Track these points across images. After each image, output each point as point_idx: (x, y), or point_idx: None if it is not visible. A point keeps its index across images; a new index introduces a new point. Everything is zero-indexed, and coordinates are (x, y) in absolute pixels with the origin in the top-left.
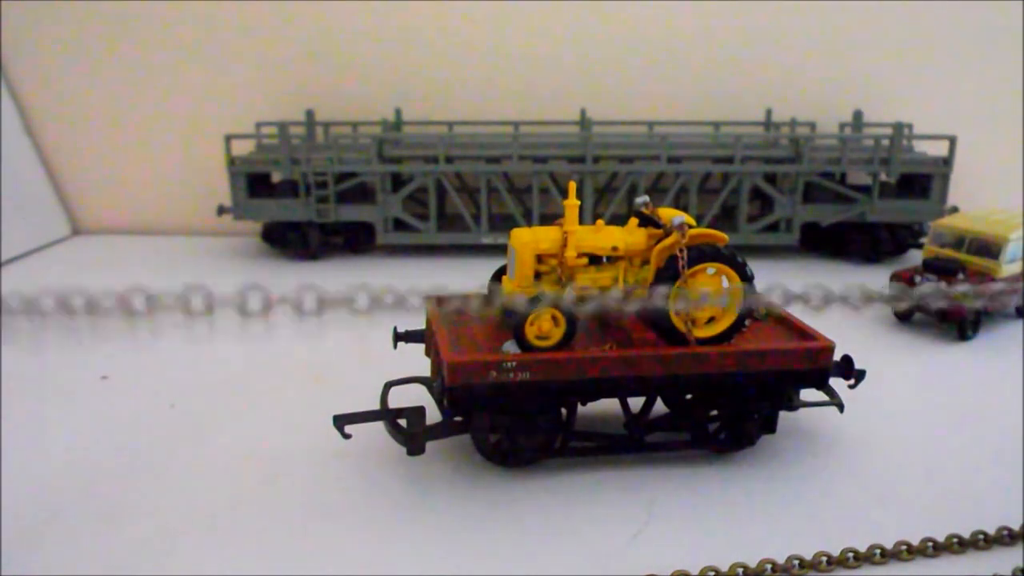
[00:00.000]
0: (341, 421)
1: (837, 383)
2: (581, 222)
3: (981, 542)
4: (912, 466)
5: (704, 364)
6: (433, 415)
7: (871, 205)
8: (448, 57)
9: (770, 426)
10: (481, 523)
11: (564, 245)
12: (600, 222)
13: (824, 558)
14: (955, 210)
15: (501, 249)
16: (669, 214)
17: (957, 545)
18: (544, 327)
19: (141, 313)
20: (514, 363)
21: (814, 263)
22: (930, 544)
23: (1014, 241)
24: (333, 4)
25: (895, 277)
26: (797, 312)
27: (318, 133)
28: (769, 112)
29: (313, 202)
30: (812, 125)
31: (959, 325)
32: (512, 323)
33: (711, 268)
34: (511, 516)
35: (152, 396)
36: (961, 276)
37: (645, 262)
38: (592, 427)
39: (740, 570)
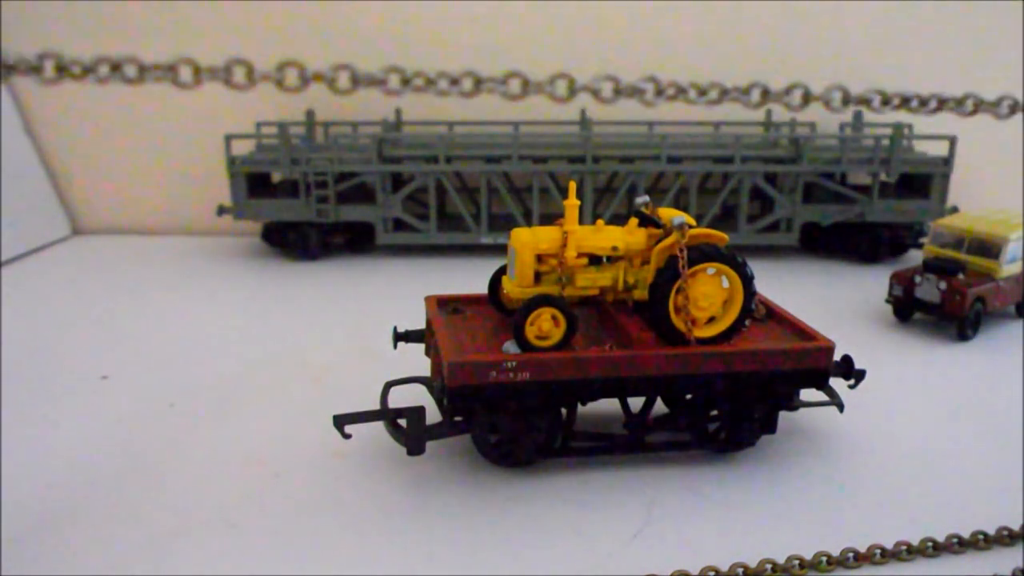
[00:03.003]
0: (341, 421)
1: (837, 383)
2: (581, 222)
3: (981, 542)
4: (912, 466)
5: (704, 364)
6: (433, 415)
7: (871, 205)
8: (448, 57)
9: (770, 426)
10: (481, 523)
11: (564, 245)
12: (600, 222)
13: (824, 558)
14: (955, 210)
15: (501, 249)
16: (669, 214)
17: (957, 545)
18: (544, 327)
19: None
20: (514, 363)
21: (814, 263)
22: (930, 544)
23: (1014, 241)
24: (333, 4)
25: (895, 277)
26: (794, 310)
27: (318, 133)
28: (769, 112)
29: (313, 202)
30: (812, 125)
31: (959, 325)
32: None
33: (711, 268)
34: (511, 516)
35: (152, 396)
36: (961, 276)
37: (645, 262)
38: (592, 427)
39: (740, 570)
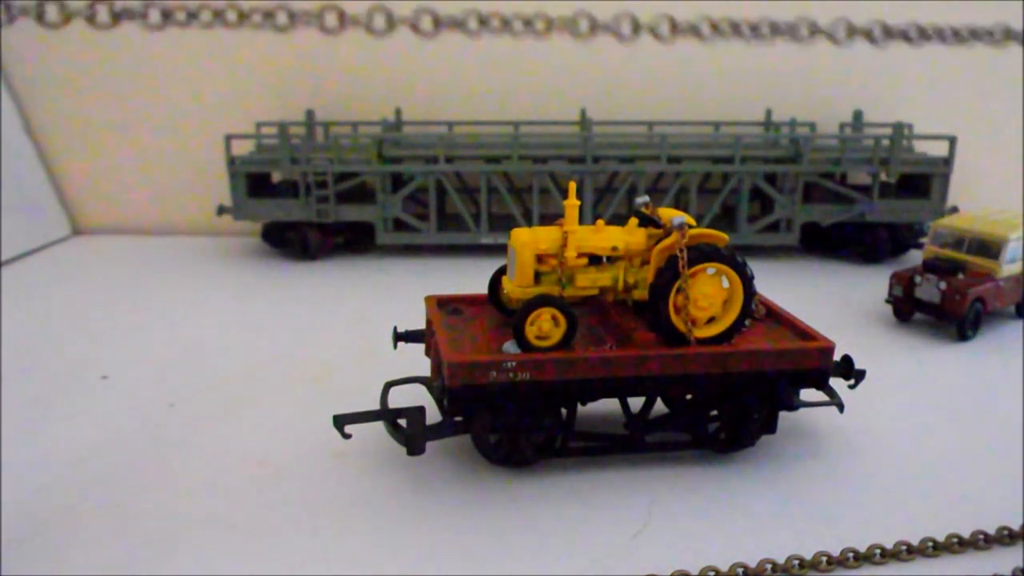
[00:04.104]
0: (341, 421)
1: (837, 383)
2: (581, 222)
3: (981, 542)
4: (912, 466)
5: (704, 364)
6: (433, 415)
7: (871, 205)
8: (448, 57)
9: (770, 426)
10: (481, 523)
11: (564, 245)
12: (600, 222)
13: (824, 558)
14: (955, 210)
15: (501, 249)
16: (669, 214)
17: (957, 545)
18: (544, 327)
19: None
20: (514, 363)
21: (814, 263)
22: (930, 544)
23: (1014, 241)
24: (333, 4)
25: (895, 277)
26: (794, 309)
27: (318, 133)
28: (769, 112)
29: (313, 202)
30: (812, 125)
31: (959, 325)
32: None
33: (711, 268)
34: (511, 516)
35: (152, 396)
36: (961, 276)
37: (645, 262)
38: (592, 427)
39: (740, 570)
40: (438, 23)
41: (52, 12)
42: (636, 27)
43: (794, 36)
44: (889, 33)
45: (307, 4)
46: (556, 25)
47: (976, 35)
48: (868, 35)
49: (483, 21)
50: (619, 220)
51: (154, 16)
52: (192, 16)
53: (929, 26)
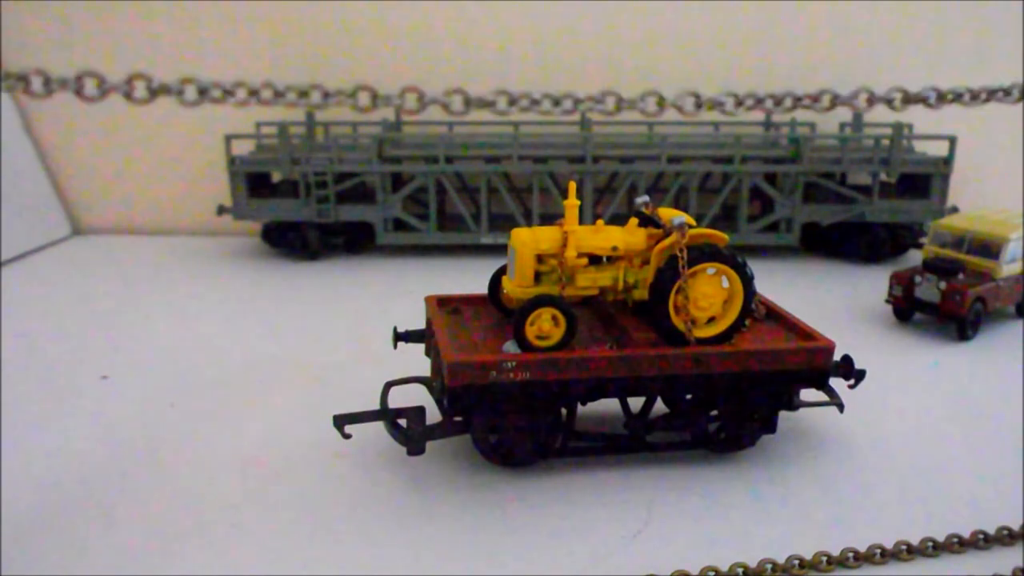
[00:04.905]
0: (341, 421)
1: (837, 383)
2: (581, 222)
3: (981, 542)
4: (912, 466)
5: (704, 364)
6: (433, 415)
7: (871, 205)
8: (448, 57)
9: (770, 426)
10: (481, 523)
11: (564, 245)
12: (600, 222)
13: (824, 558)
14: (955, 210)
15: (501, 249)
16: (669, 214)
17: (957, 545)
18: (544, 327)
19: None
20: (514, 363)
21: (814, 263)
22: (930, 544)
23: (1014, 241)
24: (334, 3)
25: (895, 277)
26: (796, 310)
27: (318, 133)
28: (769, 112)
29: (313, 202)
30: (812, 125)
31: (959, 325)
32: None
33: (711, 268)
34: (511, 516)
35: (152, 396)
36: (961, 276)
37: (645, 262)
38: (592, 427)
39: (740, 570)
40: (468, 103)
41: (90, 87)
42: (661, 103)
43: (816, 107)
44: (908, 99)
45: (341, 84)
46: (585, 105)
47: (993, 94)
48: (889, 103)
49: (512, 101)
50: (619, 220)
51: (190, 93)
52: (228, 93)
53: (948, 92)
